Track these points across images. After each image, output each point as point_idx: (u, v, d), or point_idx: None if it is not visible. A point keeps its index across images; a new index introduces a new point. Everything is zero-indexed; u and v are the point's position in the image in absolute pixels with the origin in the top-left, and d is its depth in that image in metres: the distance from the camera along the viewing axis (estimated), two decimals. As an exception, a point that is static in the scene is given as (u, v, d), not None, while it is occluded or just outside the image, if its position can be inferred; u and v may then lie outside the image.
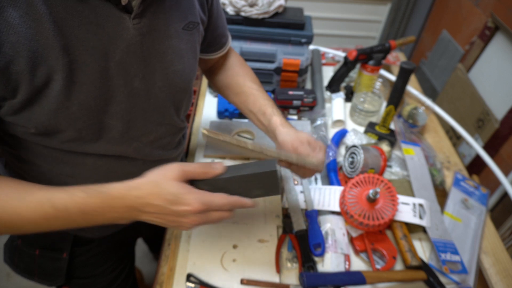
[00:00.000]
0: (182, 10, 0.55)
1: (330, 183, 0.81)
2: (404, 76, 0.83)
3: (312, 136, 0.63)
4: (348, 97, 1.08)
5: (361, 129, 0.99)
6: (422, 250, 0.72)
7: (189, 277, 0.65)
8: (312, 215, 0.73)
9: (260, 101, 0.68)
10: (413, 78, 1.23)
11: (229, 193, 0.49)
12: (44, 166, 0.55)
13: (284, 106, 0.98)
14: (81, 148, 0.52)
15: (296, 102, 0.96)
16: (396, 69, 1.25)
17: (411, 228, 0.73)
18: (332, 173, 0.82)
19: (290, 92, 0.96)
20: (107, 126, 0.52)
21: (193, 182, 0.49)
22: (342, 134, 0.93)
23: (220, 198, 0.48)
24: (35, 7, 0.38)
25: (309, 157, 0.58)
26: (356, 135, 0.93)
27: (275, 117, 0.65)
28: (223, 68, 0.75)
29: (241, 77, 0.72)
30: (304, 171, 0.61)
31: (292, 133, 0.61)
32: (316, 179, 0.83)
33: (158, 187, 0.45)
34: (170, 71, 0.55)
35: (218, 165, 0.50)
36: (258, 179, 0.49)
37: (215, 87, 0.78)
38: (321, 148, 0.61)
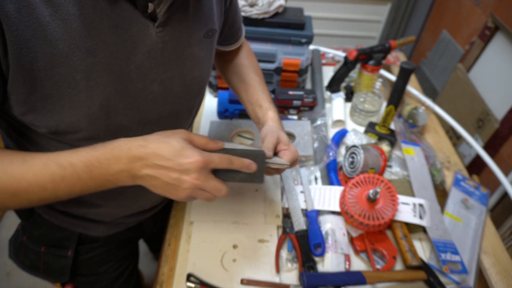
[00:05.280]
0: (203, 18, 0.55)
1: (330, 183, 0.81)
2: (404, 76, 0.83)
3: (288, 141, 0.63)
4: (348, 97, 1.08)
5: (361, 129, 0.99)
6: (422, 250, 0.72)
7: (189, 277, 0.65)
8: (312, 215, 0.73)
9: (259, 93, 0.71)
10: (413, 78, 1.23)
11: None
12: None
13: (284, 106, 0.98)
14: None
15: (296, 102, 0.96)
16: (396, 69, 1.25)
17: (411, 228, 0.73)
18: (332, 173, 0.82)
19: (290, 92, 0.96)
20: (125, 128, 0.52)
21: None
22: (342, 134, 0.93)
23: (218, 154, 0.48)
24: (65, 7, 0.39)
25: (264, 148, 0.58)
26: (356, 135, 0.93)
27: (270, 112, 0.68)
28: (233, 56, 0.77)
29: (246, 67, 0.75)
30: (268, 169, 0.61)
31: (274, 129, 0.64)
32: (316, 179, 0.83)
33: (164, 140, 0.45)
34: (188, 78, 0.56)
35: (219, 142, 0.51)
36: (249, 158, 0.52)
37: (221, 73, 0.80)
38: (290, 152, 0.61)
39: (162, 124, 0.57)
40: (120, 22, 0.43)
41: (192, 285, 0.64)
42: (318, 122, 0.95)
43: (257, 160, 0.52)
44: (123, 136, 0.51)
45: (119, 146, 0.44)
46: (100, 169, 0.43)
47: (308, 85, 1.13)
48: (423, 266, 0.67)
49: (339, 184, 0.79)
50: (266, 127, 0.65)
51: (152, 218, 0.78)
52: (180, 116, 0.61)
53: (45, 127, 0.46)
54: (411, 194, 0.77)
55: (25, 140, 0.53)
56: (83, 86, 0.43)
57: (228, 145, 0.55)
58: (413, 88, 1.11)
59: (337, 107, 1.01)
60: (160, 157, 0.44)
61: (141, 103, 0.51)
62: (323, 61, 1.26)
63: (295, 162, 0.63)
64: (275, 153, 0.61)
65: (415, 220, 0.71)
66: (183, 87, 0.56)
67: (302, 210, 0.75)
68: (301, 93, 0.96)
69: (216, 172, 0.49)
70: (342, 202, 0.73)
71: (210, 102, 1.06)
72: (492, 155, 1.37)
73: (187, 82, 0.56)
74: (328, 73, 1.19)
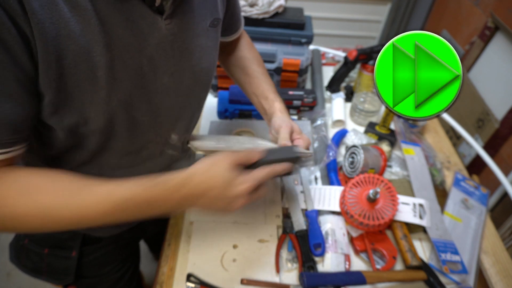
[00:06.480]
0: (208, 8, 0.56)
1: (330, 183, 0.81)
2: (404, 76, 0.83)
3: (300, 130, 0.67)
4: (348, 97, 1.08)
5: (361, 129, 0.99)
6: (422, 250, 0.72)
7: (189, 277, 0.65)
8: (312, 215, 0.73)
9: (264, 85, 0.72)
10: (413, 78, 1.23)
11: None
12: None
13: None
14: (111, 145, 0.53)
15: (296, 102, 0.96)
16: (396, 69, 1.25)
17: (411, 228, 0.73)
18: (332, 173, 0.82)
19: (290, 92, 0.96)
20: (138, 122, 0.53)
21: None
22: (342, 134, 0.93)
23: (262, 171, 0.52)
24: (82, 3, 0.39)
25: (282, 140, 0.62)
26: (356, 135, 0.93)
27: (277, 103, 0.70)
28: (233, 49, 0.77)
29: (248, 60, 0.75)
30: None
31: (286, 119, 0.67)
32: (316, 179, 0.83)
33: (213, 172, 0.49)
34: (197, 70, 0.56)
35: (256, 152, 0.55)
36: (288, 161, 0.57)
37: (223, 66, 0.81)
38: (303, 141, 0.64)
39: (174, 117, 0.58)
40: (130, 16, 0.43)
41: (192, 285, 0.64)
42: (318, 122, 0.95)
43: (294, 160, 0.58)
44: (136, 131, 0.54)
45: (176, 186, 0.47)
46: (158, 205, 0.47)
47: (308, 85, 1.13)
48: (423, 266, 0.67)
49: (339, 184, 0.79)
50: (278, 119, 0.67)
51: (153, 218, 0.78)
52: (191, 109, 0.62)
53: (65, 126, 0.46)
54: (411, 194, 0.77)
55: (40, 153, 0.54)
56: (104, 82, 0.44)
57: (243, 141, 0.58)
58: (413, 88, 1.11)
59: (337, 107, 1.01)
60: (212, 191, 0.48)
61: (153, 96, 0.52)
62: (323, 61, 1.26)
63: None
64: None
65: (415, 220, 0.71)
66: (192, 79, 0.56)
67: (302, 210, 0.75)
68: (301, 93, 0.96)
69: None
70: (342, 202, 0.73)
71: (210, 102, 1.06)
72: (492, 155, 1.37)
73: (196, 73, 0.57)
74: (328, 73, 1.19)
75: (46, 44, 0.37)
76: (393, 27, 2.16)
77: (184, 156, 0.70)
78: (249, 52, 0.77)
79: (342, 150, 0.92)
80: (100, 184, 0.45)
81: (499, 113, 1.37)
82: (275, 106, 0.69)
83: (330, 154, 0.85)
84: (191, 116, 0.63)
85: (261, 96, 0.71)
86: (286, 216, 0.75)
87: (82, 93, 0.43)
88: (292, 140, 0.64)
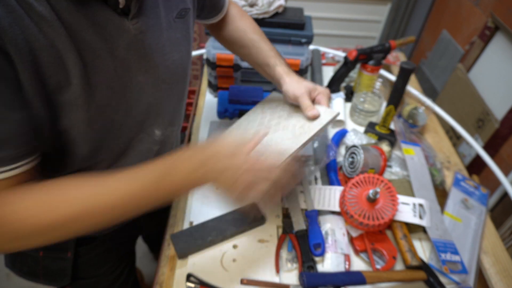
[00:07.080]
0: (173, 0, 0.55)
1: (330, 183, 0.80)
2: (404, 76, 0.83)
3: (314, 84, 0.67)
4: (348, 97, 1.08)
5: (361, 129, 0.99)
6: (422, 250, 0.72)
7: (189, 277, 0.65)
8: (312, 215, 0.73)
9: (263, 53, 0.71)
10: (413, 78, 1.23)
11: None
12: None
13: (284, 106, 0.98)
14: (97, 150, 0.54)
15: (296, 102, 0.96)
16: (396, 69, 1.25)
17: (411, 228, 0.73)
18: (332, 173, 0.82)
19: (290, 92, 0.96)
20: (119, 123, 0.53)
21: None
22: (342, 134, 0.93)
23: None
24: (46, 15, 0.39)
25: (307, 110, 0.63)
26: (356, 135, 0.93)
27: (278, 68, 0.69)
28: (225, 24, 0.76)
29: (241, 31, 0.74)
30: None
31: (295, 83, 0.66)
32: (316, 179, 0.83)
33: (226, 140, 0.49)
34: (170, 63, 0.56)
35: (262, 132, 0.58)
36: None
37: (220, 42, 0.80)
38: (323, 95, 0.65)
39: (154, 113, 0.58)
40: (96, 20, 0.43)
41: (192, 285, 0.64)
42: (318, 122, 0.95)
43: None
44: (119, 132, 0.54)
45: (192, 152, 0.48)
46: (165, 180, 0.46)
47: (308, 85, 1.12)
48: (423, 266, 0.67)
49: (339, 184, 0.79)
50: (289, 87, 0.66)
51: (148, 213, 0.78)
52: (170, 102, 0.61)
53: (47, 136, 0.46)
54: (411, 194, 0.77)
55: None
56: (80, 89, 0.44)
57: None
58: (413, 88, 1.11)
59: (337, 107, 1.01)
60: (221, 152, 0.48)
61: (130, 96, 0.52)
62: (323, 61, 1.26)
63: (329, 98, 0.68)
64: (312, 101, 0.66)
65: (415, 220, 0.71)
66: (166, 73, 0.56)
67: (302, 210, 0.75)
68: (301, 93, 0.96)
69: None
70: (342, 202, 0.73)
71: (210, 102, 1.06)
72: (492, 155, 1.37)
73: (170, 67, 0.57)
74: (328, 73, 1.19)
75: (22, 60, 0.38)
76: (393, 27, 2.16)
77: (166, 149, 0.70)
78: (241, 22, 0.75)
79: (342, 150, 0.92)
80: (114, 174, 0.45)
81: (499, 113, 1.37)
82: (278, 71, 0.68)
83: (330, 154, 0.85)
84: (172, 110, 0.63)
85: (263, 64, 0.71)
86: (286, 216, 0.75)
87: (63, 105, 0.43)
88: (313, 100, 0.65)
